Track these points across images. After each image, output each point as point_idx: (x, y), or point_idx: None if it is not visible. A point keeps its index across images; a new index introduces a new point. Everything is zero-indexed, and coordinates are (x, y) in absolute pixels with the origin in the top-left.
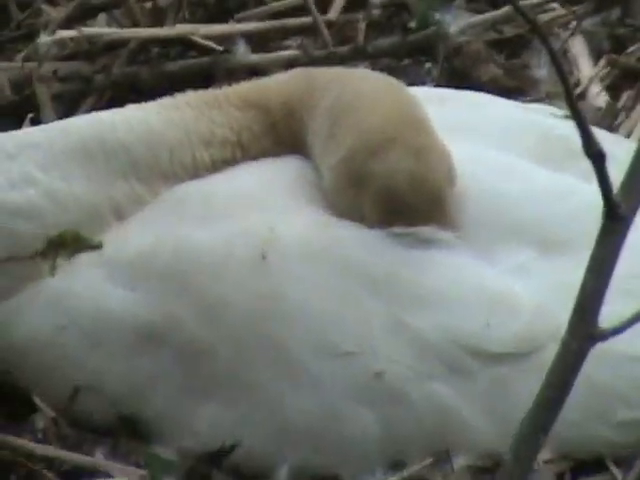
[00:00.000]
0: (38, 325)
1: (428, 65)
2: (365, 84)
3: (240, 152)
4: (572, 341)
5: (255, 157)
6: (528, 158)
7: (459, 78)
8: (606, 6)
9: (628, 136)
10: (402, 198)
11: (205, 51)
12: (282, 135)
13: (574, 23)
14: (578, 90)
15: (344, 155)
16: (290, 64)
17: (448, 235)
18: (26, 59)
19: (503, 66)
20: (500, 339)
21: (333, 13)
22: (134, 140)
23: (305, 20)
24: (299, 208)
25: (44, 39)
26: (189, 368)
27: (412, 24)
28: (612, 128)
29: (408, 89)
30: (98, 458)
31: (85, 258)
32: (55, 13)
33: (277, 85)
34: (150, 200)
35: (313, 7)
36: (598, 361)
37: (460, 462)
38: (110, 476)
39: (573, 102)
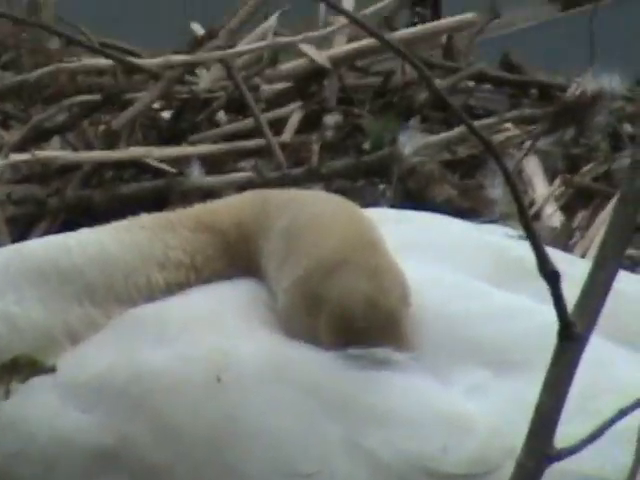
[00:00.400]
0: None
1: (382, 186)
2: (320, 206)
3: (194, 275)
4: (527, 461)
5: (209, 279)
6: (483, 278)
7: (413, 199)
8: (560, 126)
9: (583, 256)
10: (356, 320)
11: (159, 174)
12: (236, 257)
13: (528, 143)
14: (533, 210)
15: (299, 277)
16: (244, 186)
17: (403, 356)
18: None
19: (457, 187)
20: (455, 460)
21: (287, 134)
22: (88, 263)
23: (259, 142)
24: (254, 330)
25: None
26: None
27: (366, 145)
28: (567, 248)
29: (362, 210)
30: None
31: (39, 382)
32: (8, 136)
33: (230, 207)
34: (104, 323)
35: (267, 129)
36: None
37: None
38: None
39: (528, 222)
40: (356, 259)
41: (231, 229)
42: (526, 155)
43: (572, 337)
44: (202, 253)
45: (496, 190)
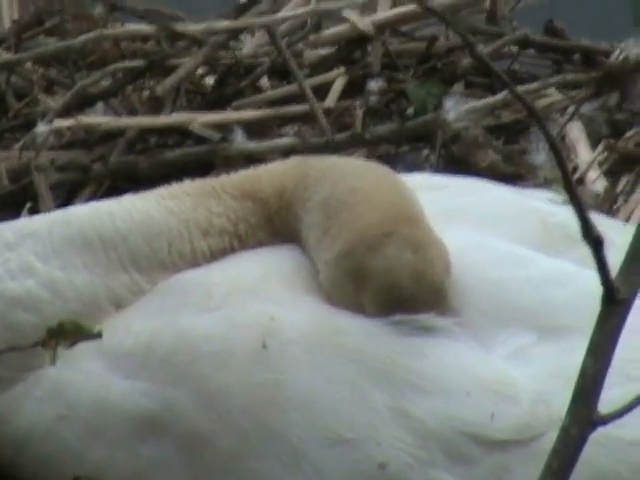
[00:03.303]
0: (38, 415)
1: (426, 151)
2: (360, 176)
3: (238, 243)
4: (572, 426)
5: (252, 247)
6: (526, 244)
7: (457, 164)
8: (604, 91)
9: (627, 221)
10: (403, 292)
11: (203, 139)
12: (278, 227)
13: (572, 108)
14: (576, 175)
15: (341, 250)
16: (288, 151)
17: (448, 322)
18: (24, 148)
19: (501, 152)
20: (500, 426)
21: (330, 100)
22: (133, 230)
23: (302, 107)
24: (298, 297)
25: (41, 128)
26: (190, 457)
27: (410, 111)
28: (611, 213)
29: (401, 179)
30: None
31: (84, 348)
32: (52, 102)
33: (272, 175)
34: (149, 289)
35: (310, 94)
36: (598, 446)
37: None
38: None
39: (571, 188)
40: (399, 232)
41: (272, 198)
42: (569, 120)
43: (615, 302)
44: (245, 222)
45: (540, 155)
